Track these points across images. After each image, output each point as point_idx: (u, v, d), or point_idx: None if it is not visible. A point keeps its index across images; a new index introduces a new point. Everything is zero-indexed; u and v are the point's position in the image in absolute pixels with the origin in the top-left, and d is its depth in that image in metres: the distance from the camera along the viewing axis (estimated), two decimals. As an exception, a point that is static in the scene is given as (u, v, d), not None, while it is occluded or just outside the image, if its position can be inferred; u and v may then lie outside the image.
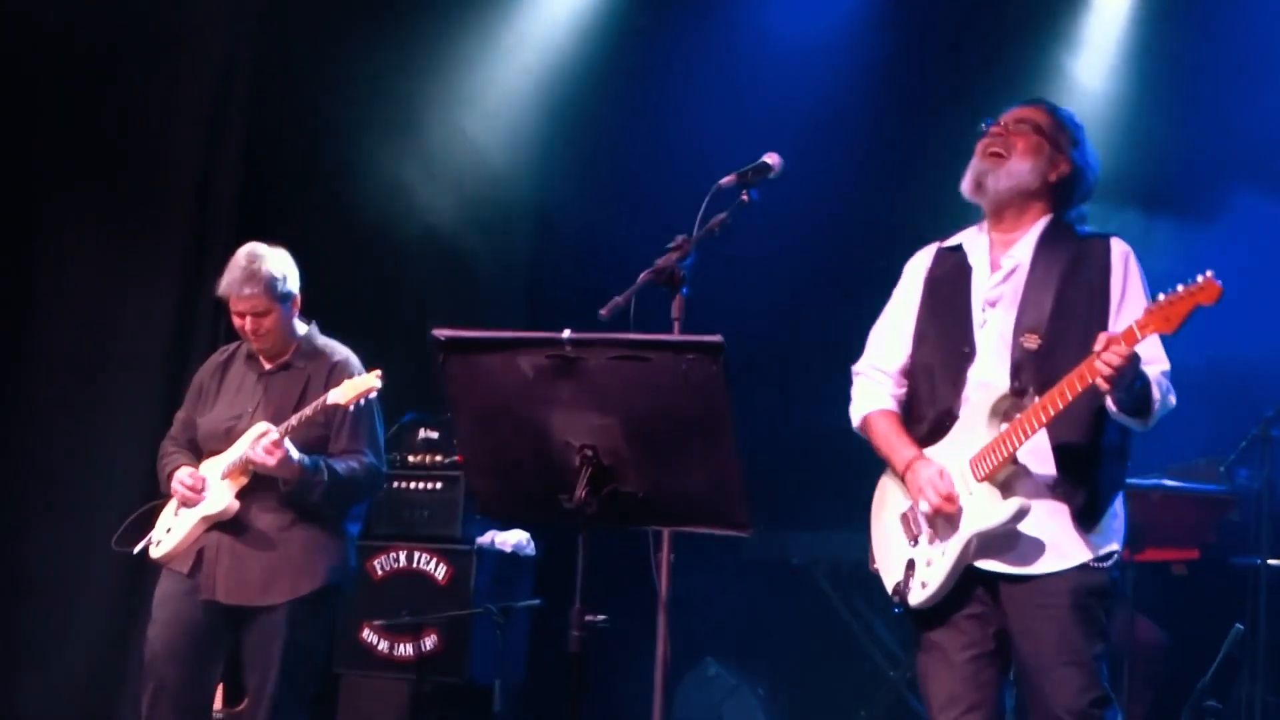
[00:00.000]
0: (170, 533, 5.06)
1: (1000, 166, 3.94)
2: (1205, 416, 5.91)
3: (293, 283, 5.12)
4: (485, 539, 6.16)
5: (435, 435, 6.33)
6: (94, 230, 6.94)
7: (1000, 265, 3.94)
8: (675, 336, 3.57)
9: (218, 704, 5.18)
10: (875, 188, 7.07)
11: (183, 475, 5.03)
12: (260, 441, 4.84)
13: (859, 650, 6.85)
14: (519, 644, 6.19)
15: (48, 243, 6.94)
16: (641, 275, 3.68)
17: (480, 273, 7.18)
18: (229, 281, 5.06)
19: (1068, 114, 4.05)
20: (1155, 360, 3.72)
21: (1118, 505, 3.86)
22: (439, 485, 6.25)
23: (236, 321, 5.11)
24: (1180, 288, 3.48)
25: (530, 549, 6.26)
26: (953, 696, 3.83)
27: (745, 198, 3.83)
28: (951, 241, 4.10)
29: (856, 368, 4.19)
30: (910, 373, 4.07)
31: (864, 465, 6.53)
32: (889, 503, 4.07)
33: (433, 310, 6.90)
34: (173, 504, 5.10)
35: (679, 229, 3.75)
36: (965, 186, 4.00)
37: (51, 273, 6.93)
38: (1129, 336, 3.52)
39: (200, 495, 4.98)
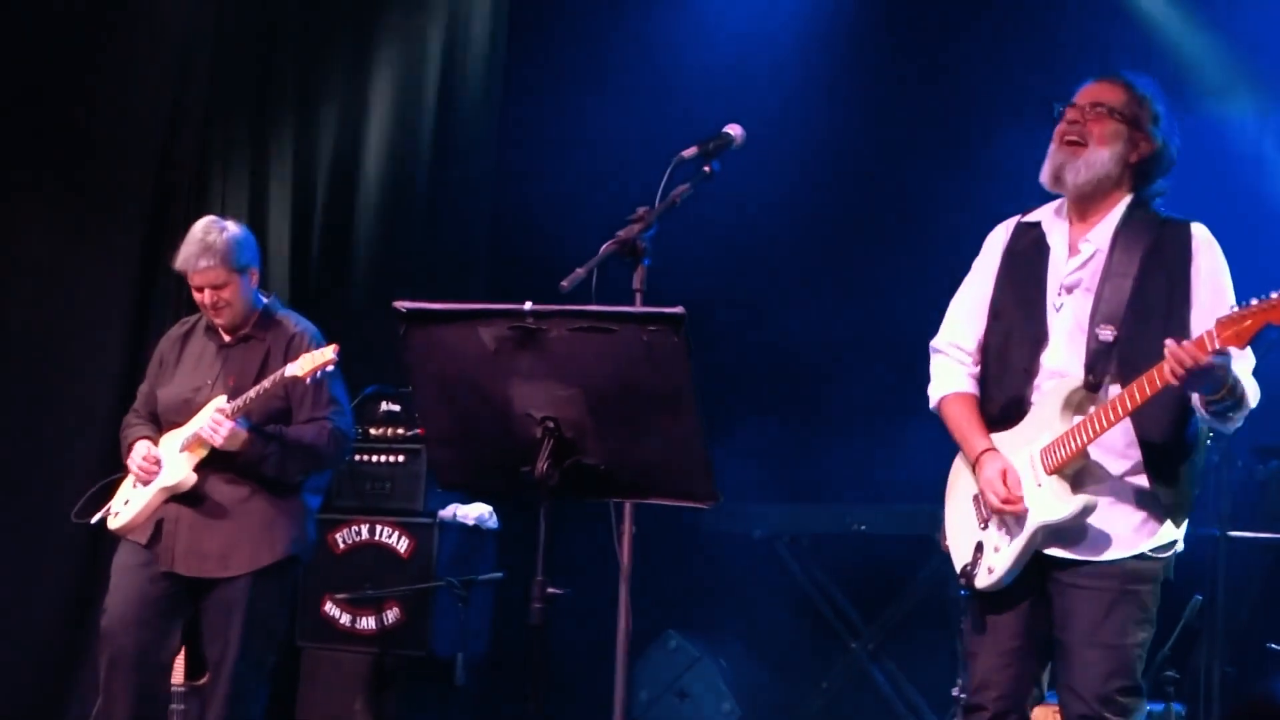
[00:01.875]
0: (129, 504, 5.05)
1: (1079, 157, 3.83)
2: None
3: (250, 254, 5.11)
4: (447, 512, 6.15)
5: (397, 408, 6.31)
6: (51, 204, 6.88)
7: (1079, 250, 3.85)
8: (637, 308, 3.56)
9: (179, 677, 5.16)
10: (838, 158, 7.06)
11: (140, 451, 5.02)
12: (208, 418, 4.84)
13: (821, 622, 6.87)
14: (481, 617, 6.18)
15: (4, 218, 6.87)
16: (603, 247, 3.66)
17: (441, 244, 7.15)
18: (185, 254, 5.06)
19: (1146, 85, 3.91)
20: (1241, 355, 3.58)
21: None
22: (401, 458, 6.23)
23: (196, 295, 5.11)
24: (1255, 302, 3.40)
25: (492, 522, 6.25)
26: (987, 681, 3.86)
27: (708, 169, 3.82)
28: (1031, 217, 4.00)
29: (935, 344, 4.11)
30: (983, 349, 4.01)
31: (826, 438, 6.58)
32: (964, 481, 4.01)
33: (393, 282, 6.87)
34: (132, 476, 5.08)
35: (641, 200, 3.74)
36: (1044, 178, 3.90)
37: (8, 247, 6.87)
38: (1199, 347, 3.45)
39: (155, 473, 4.97)
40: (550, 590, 3.38)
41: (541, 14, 7.38)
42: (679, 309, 3.26)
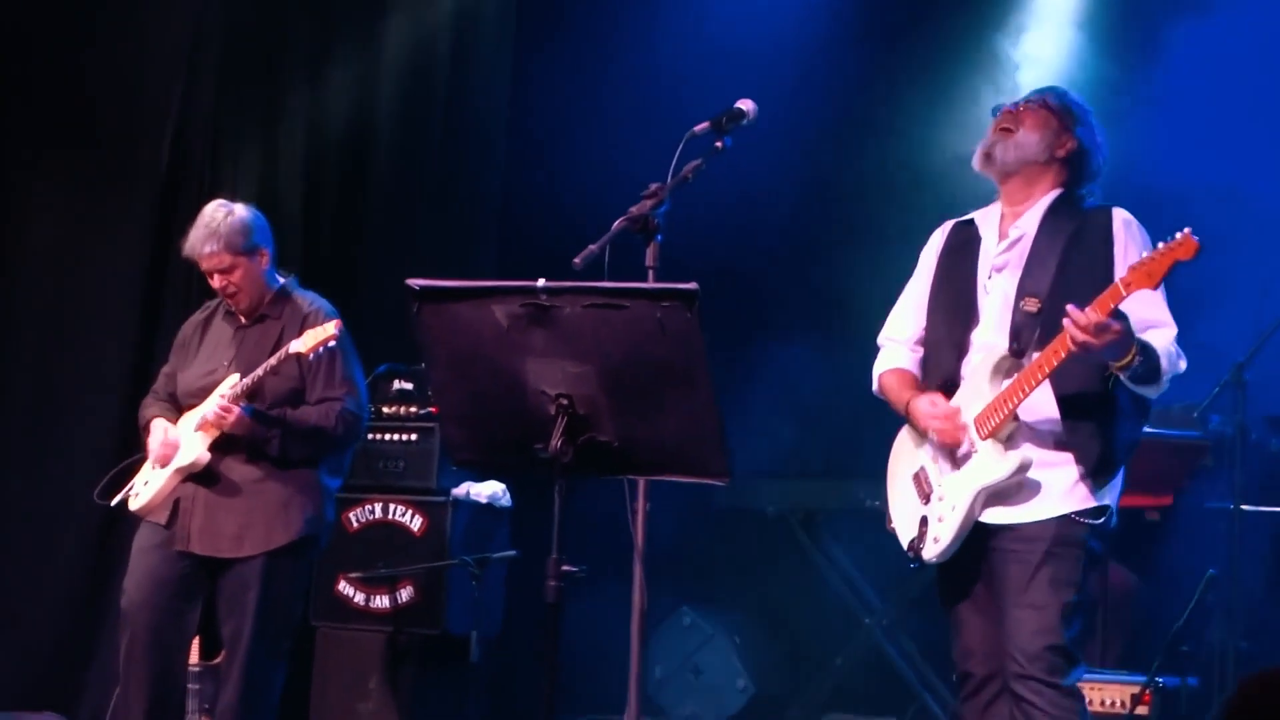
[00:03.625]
0: (148, 485, 5.07)
1: (1009, 139, 4.06)
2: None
3: (259, 236, 5.11)
4: (461, 490, 6.15)
5: (410, 386, 6.30)
6: (62, 186, 6.88)
7: (1007, 234, 4.06)
8: (650, 285, 3.55)
9: (194, 657, 5.17)
10: (849, 135, 7.06)
11: (157, 434, 5.05)
12: (214, 402, 4.86)
13: (835, 598, 6.87)
14: (495, 595, 6.18)
15: (15, 199, 6.88)
16: (616, 223, 3.66)
17: (453, 222, 7.14)
18: (192, 240, 5.07)
19: (1075, 97, 4.16)
20: (1162, 324, 3.84)
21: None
22: (414, 437, 6.22)
23: (209, 279, 5.11)
24: (1161, 245, 3.61)
25: (506, 500, 6.25)
26: (969, 649, 4.04)
27: (719, 144, 3.84)
28: (967, 217, 4.22)
29: (878, 340, 4.34)
30: (924, 342, 4.22)
31: (839, 414, 6.58)
32: (903, 463, 4.19)
33: (406, 260, 6.86)
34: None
35: (653, 176, 3.73)
36: (975, 160, 4.12)
37: (19, 230, 6.87)
38: (1109, 298, 3.63)
39: (172, 456, 4.99)
40: (565, 568, 3.39)
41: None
42: (692, 285, 3.26)
